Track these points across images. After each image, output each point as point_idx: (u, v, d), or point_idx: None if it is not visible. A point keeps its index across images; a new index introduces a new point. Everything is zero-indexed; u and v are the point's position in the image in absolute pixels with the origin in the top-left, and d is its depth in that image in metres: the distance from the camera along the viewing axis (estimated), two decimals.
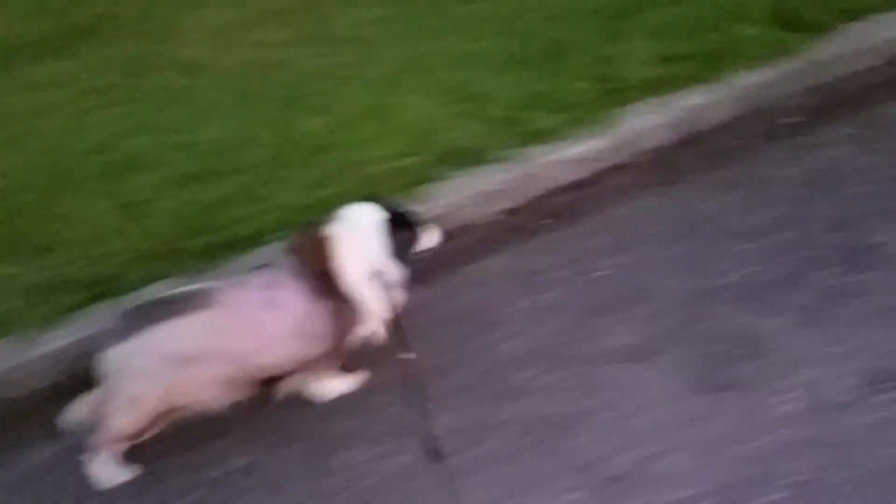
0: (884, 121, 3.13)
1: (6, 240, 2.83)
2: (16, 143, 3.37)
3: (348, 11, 3.92)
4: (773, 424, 2.12)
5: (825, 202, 2.83)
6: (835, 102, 3.26)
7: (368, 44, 3.67)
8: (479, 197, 2.98)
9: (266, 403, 2.30)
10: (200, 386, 2.16)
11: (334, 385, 2.41)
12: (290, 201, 2.94)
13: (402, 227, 2.32)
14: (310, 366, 2.30)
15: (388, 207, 2.31)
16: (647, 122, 3.18)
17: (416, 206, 2.56)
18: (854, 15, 3.43)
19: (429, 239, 2.43)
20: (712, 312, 2.50)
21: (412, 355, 2.22)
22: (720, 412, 2.18)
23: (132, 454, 2.21)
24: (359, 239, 2.25)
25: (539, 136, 3.11)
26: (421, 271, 2.44)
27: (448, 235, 2.51)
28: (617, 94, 3.24)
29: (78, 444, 2.20)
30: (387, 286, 2.26)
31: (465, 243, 2.87)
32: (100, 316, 2.52)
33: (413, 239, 2.37)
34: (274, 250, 2.57)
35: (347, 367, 2.40)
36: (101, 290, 2.61)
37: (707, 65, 3.29)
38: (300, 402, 2.36)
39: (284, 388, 2.33)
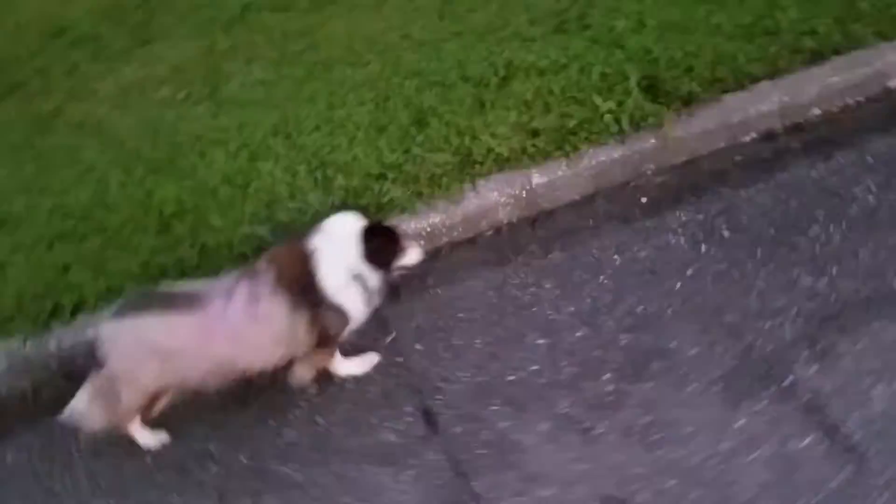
0: (731, 208, 2.96)
1: None
2: None
3: (246, 71, 4.01)
4: None
5: (639, 297, 2.72)
6: (690, 183, 3.11)
7: (249, 106, 3.75)
8: None
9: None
10: (187, 375, 2.38)
11: (347, 366, 2.66)
12: (132, 268, 3.07)
13: (381, 236, 2.45)
14: (303, 360, 2.52)
15: (368, 218, 2.45)
16: (493, 198, 3.14)
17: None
18: (729, 86, 3.25)
19: (411, 256, 2.54)
20: (479, 415, 2.46)
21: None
22: None
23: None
24: (338, 247, 2.37)
25: (385, 209, 3.12)
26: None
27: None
28: (471, 167, 3.21)
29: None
30: (366, 291, 2.41)
31: None
32: None
33: (393, 249, 2.48)
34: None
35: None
36: None
37: (563, 139, 3.20)
38: None
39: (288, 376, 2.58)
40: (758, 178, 3.02)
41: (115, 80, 4.25)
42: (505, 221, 3.17)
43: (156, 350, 2.31)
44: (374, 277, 2.43)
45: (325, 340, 2.48)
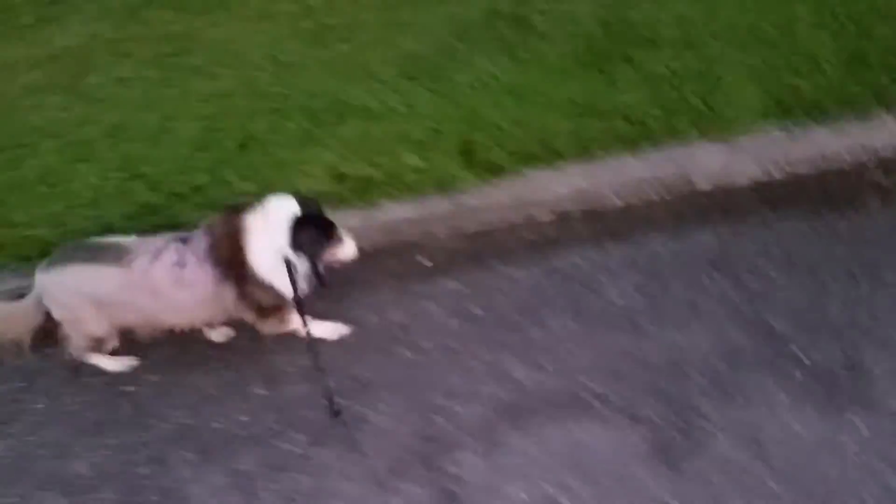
0: (495, 286, 2.95)
1: None
2: None
3: (112, 66, 4.07)
4: None
5: (367, 363, 2.74)
6: (473, 253, 3.11)
7: (99, 104, 3.81)
8: None
9: None
10: (119, 322, 2.57)
11: (319, 329, 2.75)
12: None
13: (312, 225, 2.49)
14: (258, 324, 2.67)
15: (306, 206, 2.49)
16: None
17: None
18: (539, 163, 3.23)
19: (345, 251, 2.61)
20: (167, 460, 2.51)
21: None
22: None
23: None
24: (270, 228, 2.44)
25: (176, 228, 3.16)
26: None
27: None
28: None
29: None
30: (294, 274, 2.48)
31: None
32: None
33: (321, 240, 2.53)
34: None
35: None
36: None
37: (365, 189, 3.22)
38: None
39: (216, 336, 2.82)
40: (534, 260, 3.00)
41: None
42: None
43: (86, 299, 2.48)
44: (302, 263, 2.50)
45: (265, 311, 2.60)
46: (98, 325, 2.57)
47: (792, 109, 3.18)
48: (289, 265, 2.45)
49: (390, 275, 3.07)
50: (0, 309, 2.70)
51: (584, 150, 3.23)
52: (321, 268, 2.53)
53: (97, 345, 2.67)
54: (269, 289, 2.49)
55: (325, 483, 2.39)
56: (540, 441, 2.41)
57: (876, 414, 2.29)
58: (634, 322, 2.69)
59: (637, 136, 3.23)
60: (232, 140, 3.48)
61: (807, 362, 2.45)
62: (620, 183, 3.17)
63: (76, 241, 2.79)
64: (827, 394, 2.37)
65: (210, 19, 4.38)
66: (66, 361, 2.76)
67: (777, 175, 3.12)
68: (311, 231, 2.47)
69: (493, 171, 3.23)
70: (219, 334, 2.85)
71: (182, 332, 2.67)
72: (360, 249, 2.65)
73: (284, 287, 2.48)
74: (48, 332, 2.67)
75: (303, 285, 2.54)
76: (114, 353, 2.75)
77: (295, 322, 2.67)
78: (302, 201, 2.48)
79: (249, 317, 2.64)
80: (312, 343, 2.51)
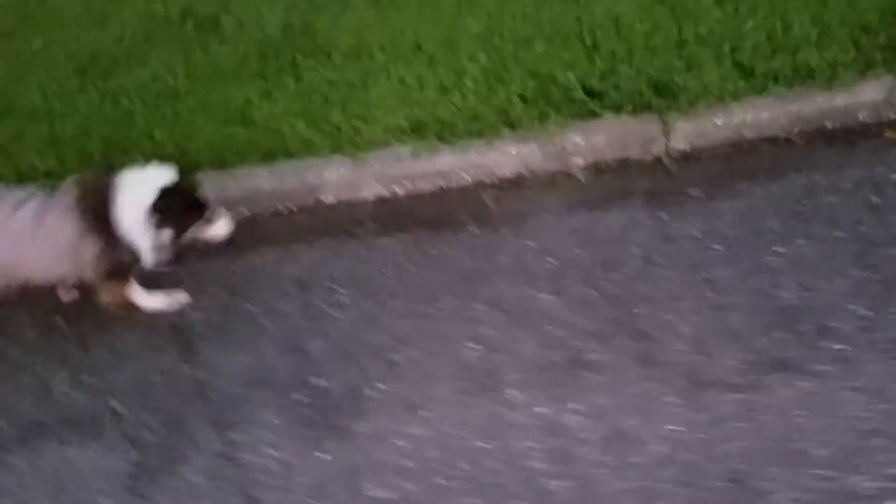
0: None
1: None
2: None
3: None
4: None
5: None
6: None
7: None
8: None
9: None
10: None
11: (148, 300, 2.74)
12: None
13: (180, 200, 2.49)
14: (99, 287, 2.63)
15: (178, 180, 2.49)
16: None
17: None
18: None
19: (218, 227, 2.60)
20: None
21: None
22: None
23: None
24: (137, 193, 2.44)
25: None
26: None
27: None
28: None
29: None
30: (156, 242, 2.48)
31: None
32: None
33: (183, 217, 2.51)
34: None
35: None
36: None
37: None
38: None
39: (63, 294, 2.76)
40: None
41: None
42: None
43: None
44: (164, 233, 2.49)
45: (116, 272, 2.58)
46: None
47: (426, 129, 3.21)
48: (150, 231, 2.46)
49: None
50: None
51: (222, 159, 3.23)
52: (179, 242, 2.55)
53: None
54: (128, 248, 2.48)
55: None
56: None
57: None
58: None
59: (275, 147, 3.24)
60: None
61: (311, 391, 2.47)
62: (251, 193, 3.18)
63: None
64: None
65: None
66: None
67: (400, 193, 3.16)
68: (174, 203, 2.47)
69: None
70: (67, 293, 2.80)
71: (33, 290, 2.63)
72: None
73: (144, 252, 2.50)
74: None
75: (162, 255, 2.55)
76: None
77: (134, 295, 2.70)
78: (181, 176, 2.51)
79: (96, 279, 2.60)
80: None
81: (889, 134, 3.06)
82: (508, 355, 2.45)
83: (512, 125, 3.15)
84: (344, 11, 3.78)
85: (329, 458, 2.27)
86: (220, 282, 2.90)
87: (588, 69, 3.28)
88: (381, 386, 2.43)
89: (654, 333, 2.41)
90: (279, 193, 3.17)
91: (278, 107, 3.35)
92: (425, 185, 3.16)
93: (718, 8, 3.44)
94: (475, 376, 2.40)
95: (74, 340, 2.76)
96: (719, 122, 3.10)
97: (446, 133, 3.17)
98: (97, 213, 2.44)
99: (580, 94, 3.19)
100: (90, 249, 2.46)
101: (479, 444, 2.21)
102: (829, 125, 3.09)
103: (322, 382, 2.48)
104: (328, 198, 3.18)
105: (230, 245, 2.75)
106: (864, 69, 3.09)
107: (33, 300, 2.77)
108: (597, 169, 3.12)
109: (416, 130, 3.19)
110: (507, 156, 3.13)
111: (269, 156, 3.22)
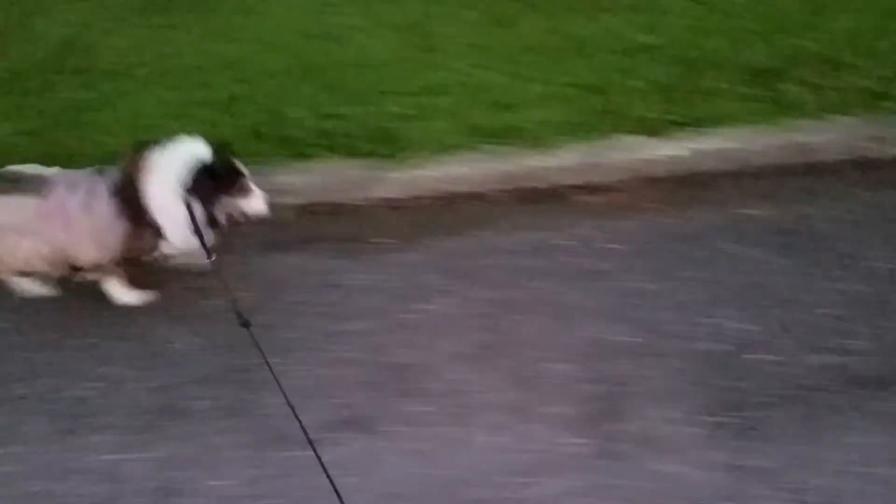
0: None
1: None
2: None
3: None
4: None
5: None
6: None
7: None
8: None
9: None
10: (28, 255, 2.49)
11: (124, 294, 2.71)
12: None
13: (213, 171, 2.43)
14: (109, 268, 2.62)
15: (216, 153, 2.44)
16: None
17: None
18: None
19: (253, 205, 2.54)
20: None
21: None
22: None
23: None
24: (170, 168, 2.41)
25: None
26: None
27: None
28: None
29: None
30: (191, 219, 2.42)
31: None
32: None
33: (219, 187, 2.46)
34: None
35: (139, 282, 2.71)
36: None
37: None
38: None
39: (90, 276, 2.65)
40: None
41: None
42: None
43: (8, 227, 2.44)
44: (199, 208, 2.44)
45: (134, 257, 2.58)
46: (29, 253, 2.51)
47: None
48: (188, 208, 2.43)
49: None
50: None
51: None
52: (219, 217, 2.50)
53: (33, 273, 2.63)
54: (155, 230, 2.48)
55: None
56: None
57: None
58: None
59: None
60: None
61: None
62: None
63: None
64: None
65: None
66: None
67: None
68: (205, 175, 2.43)
69: None
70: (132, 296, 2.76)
71: (85, 278, 2.63)
72: None
73: (172, 232, 2.48)
74: None
75: (198, 234, 2.46)
76: None
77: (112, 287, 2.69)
78: (214, 147, 2.47)
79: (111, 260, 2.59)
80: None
81: (581, 197, 3.10)
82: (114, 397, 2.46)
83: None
84: (116, 28, 3.79)
85: None
86: None
87: (320, 108, 3.31)
88: None
89: (259, 384, 2.42)
90: None
91: (7, 127, 3.36)
92: None
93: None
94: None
95: None
96: (431, 174, 3.13)
97: None
98: (128, 195, 2.44)
99: (307, 133, 3.22)
100: (119, 231, 2.48)
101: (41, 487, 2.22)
102: (530, 185, 3.12)
103: None
104: None
105: None
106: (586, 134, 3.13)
107: None
108: (306, 210, 3.14)
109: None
110: None
111: None
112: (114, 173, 2.50)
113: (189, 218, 2.43)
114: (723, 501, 2.07)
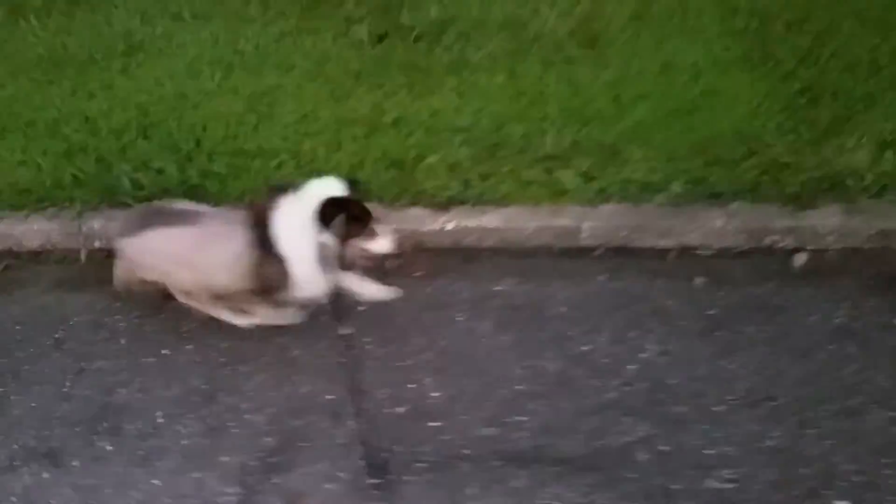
0: None
1: None
2: None
3: None
4: None
5: None
6: None
7: None
8: None
9: None
10: (181, 280, 2.79)
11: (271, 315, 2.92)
12: None
13: (343, 207, 2.56)
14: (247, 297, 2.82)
15: (347, 191, 2.58)
16: None
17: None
18: None
19: (380, 244, 2.67)
20: None
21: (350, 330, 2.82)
22: None
23: None
24: (300, 208, 2.56)
25: None
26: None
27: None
28: None
29: None
30: (323, 261, 2.60)
31: None
32: None
33: (349, 222, 2.57)
34: None
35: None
36: None
37: None
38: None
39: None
40: None
41: None
42: None
43: (169, 258, 2.71)
44: (329, 245, 2.58)
45: (266, 288, 2.72)
46: (186, 279, 2.78)
47: None
48: (319, 247, 2.56)
49: None
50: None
51: None
52: (348, 254, 2.63)
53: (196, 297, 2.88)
54: (281, 263, 2.60)
55: None
56: None
57: None
58: None
59: None
60: None
61: None
62: None
63: (151, 205, 3.05)
64: None
65: None
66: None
67: None
68: (335, 212, 2.53)
69: None
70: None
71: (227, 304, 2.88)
72: None
73: (300, 268, 2.60)
74: None
75: (327, 272, 2.61)
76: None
77: (287, 314, 2.88)
78: (349, 185, 2.60)
79: (253, 294, 2.77)
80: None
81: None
82: None
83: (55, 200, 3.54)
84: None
85: None
86: None
87: (150, 163, 3.65)
88: None
89: None
90: None
91: None
92: None
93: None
94: None
95: None
96: None
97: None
98: (259, 228, 2.59)
99: (127, 184, 3.56)
100: (252, 263, 2.62)
101: None
102: None
103: None
104: None
105: None
106: None
107: None
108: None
109: None
110: (33, 231, 3.50)
111: None
112: (249, 209, 2.68)
113: (317, 253, 2.55)
114: None
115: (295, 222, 2.56)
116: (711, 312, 2.99)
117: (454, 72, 4.05)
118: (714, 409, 2.66)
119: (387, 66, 4.16)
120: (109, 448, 2.63)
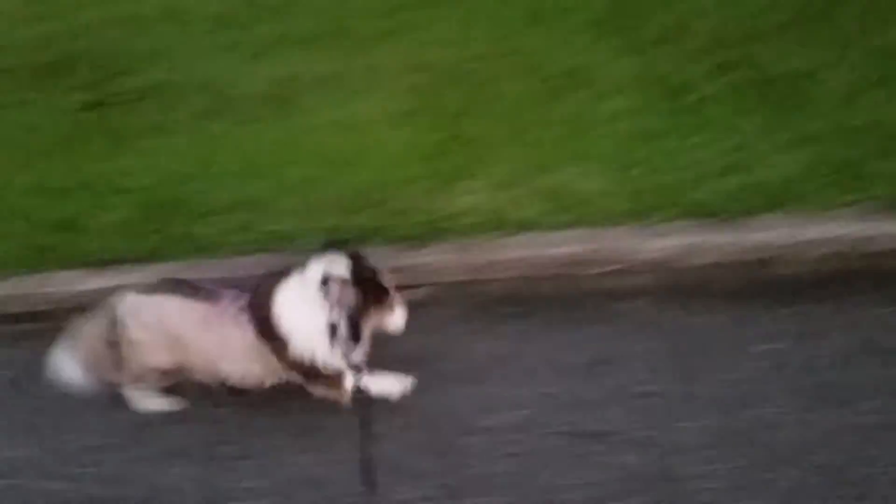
0: None
1: None
2: None
3: None
4: None
5: None
6: None
7: None
8: None
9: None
10: (186, 361, 2.60)
11: (378, 384, 2.64)
12: None
13: (364, 288, 2.46)
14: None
15: (356, 266, 2.47)
16: None
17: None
18: None
19: (393, 322, 2.56)
20: None
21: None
22: None
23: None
24: (303, 285, 2.47)
25: None
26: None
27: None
28: None
29: None
30: (336, 342, 2.44)
31: None
32: None
33: (361, 301, 2.45)
34: None
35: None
36: None
37: None
38: None
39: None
40: None
41: None
42: None
43: (171, 326, 2.56)
44: (343, 325, 2.42)
45: (313, 376, 2.55)
46: (167, 358, 2.62)
47: None
48: (332, 329, 2.42)
49: None
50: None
51: None
52: (360, 331, 2.46)
53: (155, 378, 2.72)
54: (305, 358, 2.49)
55: None
56: None
57: None
58: None
59: None
60: None
61: None
62: None
63: (174, 279, 2.89)
64: None
65: None
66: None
67: None
68: (349, 289, 2.43)
69: None
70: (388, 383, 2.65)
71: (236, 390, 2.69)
72: None
73: (318, 350, 2.47)
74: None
75: (345, 351, 2.45)
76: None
77: (348, 387, 2.60)
78: (355, 260, 2.50)
79: (299, 379, 2.61)
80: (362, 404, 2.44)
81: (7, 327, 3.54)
82: None
83: None
84: None
85: None
86: None
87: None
88: None
89: None
90: None
91: None
92: None
93: None
94: None
95: None
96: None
97: None
98: (261, 315, 2.48)
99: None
100: (267, 352, 2.51)
101: None
102: None
103: None
104: None
105: None
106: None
107: None
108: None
109: None
110: None
111: None
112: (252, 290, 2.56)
113: (331, 334, 2.42)
114: None
115: (295, 304, 2.47)
116: None
117: (145, 135, 4.34)
118: None
119: (91, 131, 4.43)
120: None
